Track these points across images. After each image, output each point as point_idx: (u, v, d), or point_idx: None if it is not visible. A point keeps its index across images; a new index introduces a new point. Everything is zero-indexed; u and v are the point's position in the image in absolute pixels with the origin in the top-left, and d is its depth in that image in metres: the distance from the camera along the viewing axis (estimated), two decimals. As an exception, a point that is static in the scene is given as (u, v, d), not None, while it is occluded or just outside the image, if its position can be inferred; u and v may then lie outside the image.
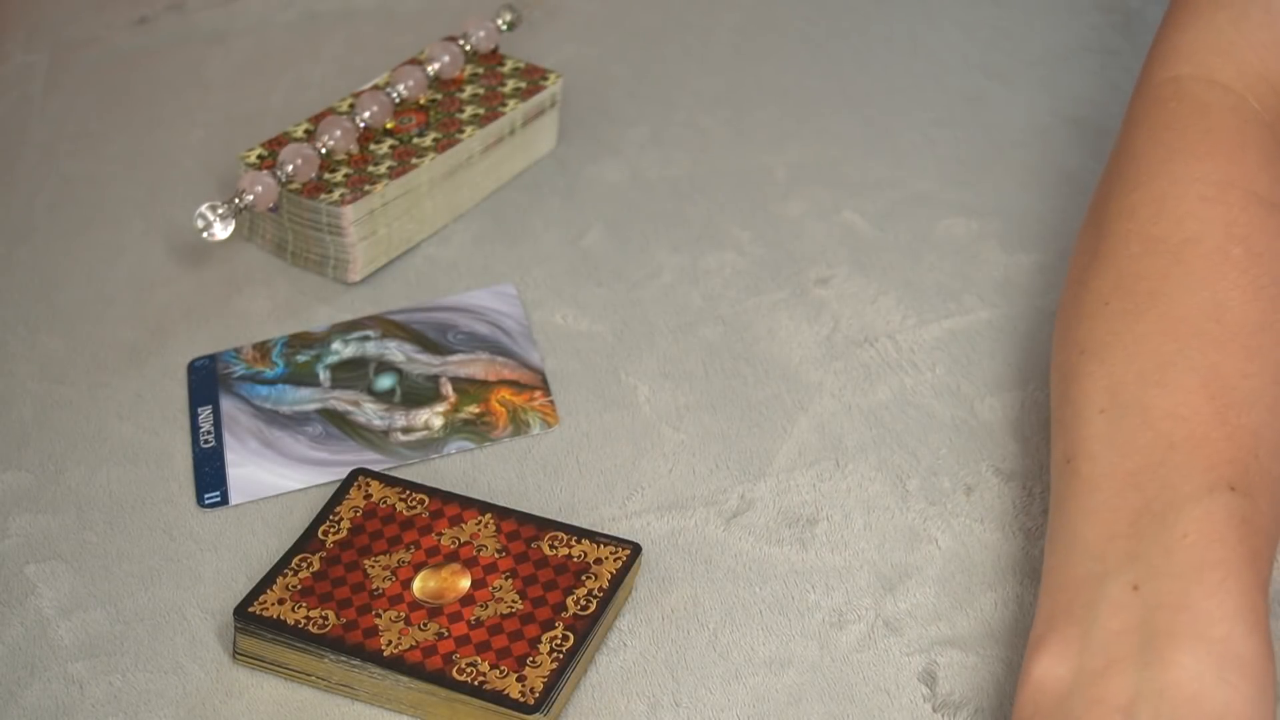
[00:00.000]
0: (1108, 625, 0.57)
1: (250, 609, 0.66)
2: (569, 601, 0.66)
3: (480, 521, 0.70)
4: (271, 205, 0.83)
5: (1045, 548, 0.63)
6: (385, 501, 0.71)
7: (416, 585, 0.67)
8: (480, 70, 0.92)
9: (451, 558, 0.68)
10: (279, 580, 0.67)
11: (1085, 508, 0.61)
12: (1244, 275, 0.64)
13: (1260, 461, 0.61)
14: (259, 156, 0.86)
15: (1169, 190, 0.68)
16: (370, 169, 0.85)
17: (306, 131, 0.88)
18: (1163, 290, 0.65)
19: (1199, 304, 0.64)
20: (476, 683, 0.63)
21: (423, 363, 0.80)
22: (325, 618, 0.66)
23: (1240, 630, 0.56)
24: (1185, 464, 0.60)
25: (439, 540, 0.69)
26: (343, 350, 0.81)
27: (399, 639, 0.65)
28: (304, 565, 0.68)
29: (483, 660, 0.64)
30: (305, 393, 0.79)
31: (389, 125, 0.88)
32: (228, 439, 0.77)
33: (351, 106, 0.89)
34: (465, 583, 0.67)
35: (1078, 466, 0.63)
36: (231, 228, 0.81)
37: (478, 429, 0.77)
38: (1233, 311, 0.64)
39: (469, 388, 0.79)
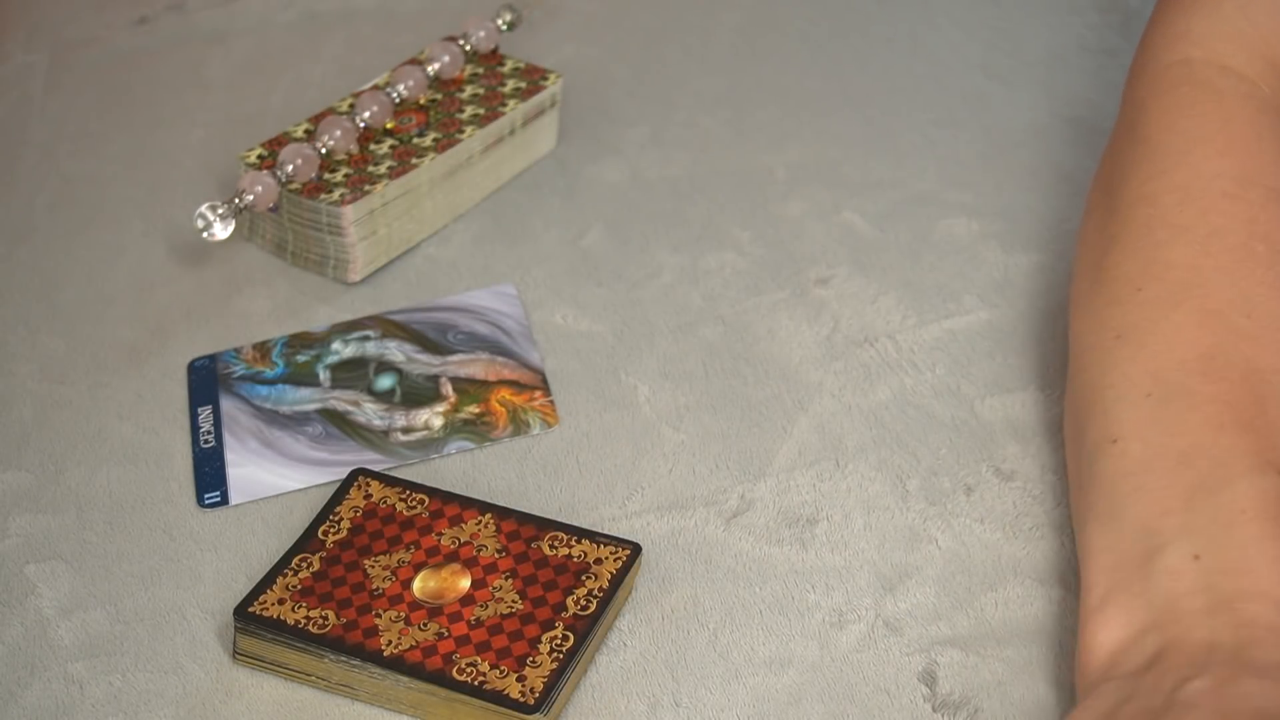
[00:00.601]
0: (1172, 589, 0.59)
1: (250, 609, 0.66)
2: (569, 601, 0.66)
3: (480, 521, 0.70)
4: (271, 205, 0.83)
5: (1085, 528, 0.63)
6: (385, 501, 0.71)
7: (416, 585, 0.67)
8: (480, 70, 0.92)
9: (451, 558, 0.68)
10: (279, 580, 0.67)
11: (1136, 486, 0.62)
12: (1269, 271, 0.66)
13: None
14: (259, 156, 0.86)
15: (1192, 183, 0.69)
16: (370, 169, 0.85)
17: (306, 131, 0.88)
18: (1195, 281, 0.66)
19: (1229, 298, 0.65)
20: (476, 683, 0.63)
21: (423, 363, 0.80)
22: (325, 618, 0.66)
23: None
24: (1235, 445, 0.62)
25: (439, 540, 0.69)
26: (343, 350, 0.81)
27: (399, 639, 0.65)
28: (304, 565, 0.68)
29: (483, 660, 0.64)
30: (305, 393, 0.79)
31: (389, 125, 0.88)
32: (228, 439, 0.77)
33: (351, 106, 0.89)
34: (465, 583, 0.67)
35: (1126, 448, 0.63)
36: (231, 228, 0.81)
37: (478, 429, 0.77)
38: (1261, 307, 0.65)
39: (469, 388, 0.79)
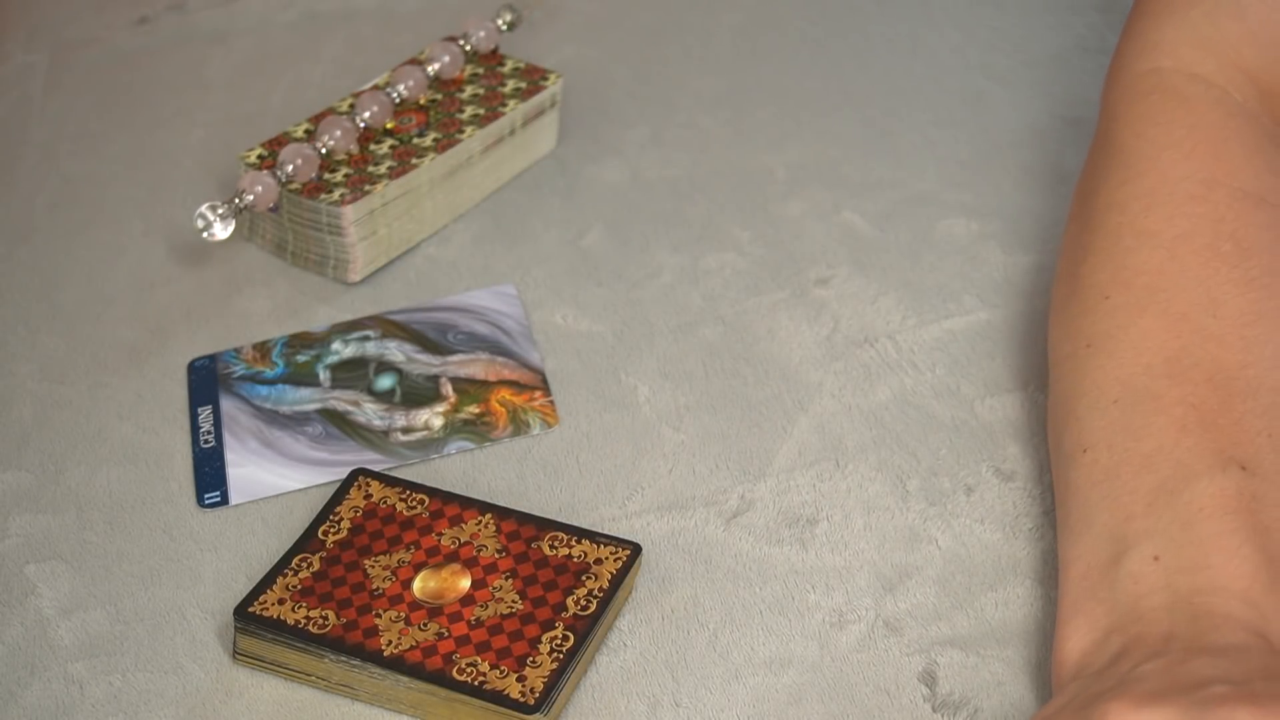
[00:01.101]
0: (1133, 592, 0.59)
1: (250, 609, 0.66)
2: (569, 601, 0.66)
3: (480, 521, 0.70)
4: (271, 205, 0.83)
5: (1061, 538, 0.64)
6: (385, 501, 0.71)
7: (416, 585, 0.67)
8: (480, 70, 0.92)
9: (451, 558, 0.68)
10: (279, 580, 0.67)
11: (1104, 494, 0.63)
12: (1235, 269, 0.66)
13: (1272, 440, 0.62)
14: (259, 156, 0.86)
15: (1158, 187, 0.69)
16: (370, 169, 0.85)
17: (306, 131, 0.88)
18: (1160, 285, 0.66)
19: (1196, 299, 0.66)
20: (476, 683, 0.63)
21: (423, 363, 0.80)
22: (325, 618, 0.66)
23: (1259, 588, 0.58)
24: (1197, 445, 0.62)
25: (439, 540, 0.69)
26: (343, 350, 0.81)
27: (399, 639, 0.65)
28: (304, 565, 0.68)
29: (483, 660, 0.64)
30: (305, 393, 0.79)
31: (389, 125, 0.88)
32: (228, 439, 0.77)
33: (351, 106, 0.89)
34: (465, 583, 0.67)
35: (1096, 456, 0.64)
36: (231, 228, 0.81)
37: (478, 429, 0.77)
38: (1227, 305, 0.65)
39: (469, 388, 0.79)
